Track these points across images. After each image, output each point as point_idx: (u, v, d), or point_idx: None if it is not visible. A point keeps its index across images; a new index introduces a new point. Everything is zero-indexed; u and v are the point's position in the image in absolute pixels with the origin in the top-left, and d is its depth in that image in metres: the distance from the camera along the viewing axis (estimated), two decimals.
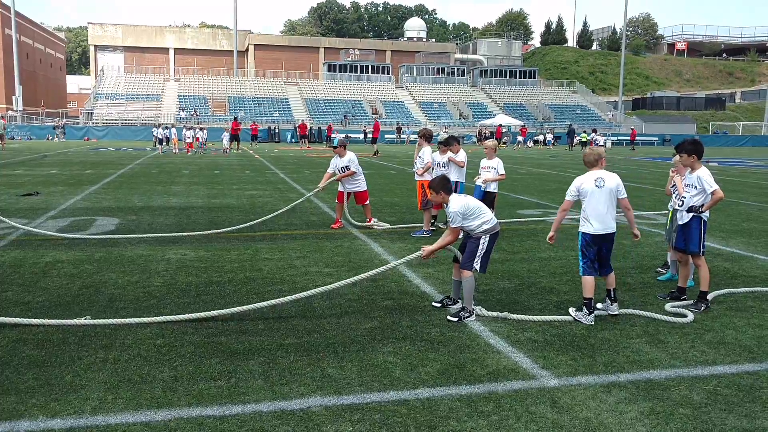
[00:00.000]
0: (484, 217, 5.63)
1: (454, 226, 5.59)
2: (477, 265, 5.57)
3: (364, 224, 10.41)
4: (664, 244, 8.15)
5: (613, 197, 5.70)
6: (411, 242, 9.19)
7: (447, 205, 5.67)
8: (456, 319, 5.50)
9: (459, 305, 5.77)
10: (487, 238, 5.61)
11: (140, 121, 56.40)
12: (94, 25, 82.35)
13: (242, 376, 4.30)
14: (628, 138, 57.20)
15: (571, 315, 5.69)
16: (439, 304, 5.98)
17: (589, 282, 5.64)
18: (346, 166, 10.23)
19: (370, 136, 47.28)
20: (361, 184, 10.41)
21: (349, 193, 10.36)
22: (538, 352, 4.85)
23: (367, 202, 10.52)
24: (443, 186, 5.67)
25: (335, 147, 10.35)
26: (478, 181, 9.60)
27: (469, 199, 5.78)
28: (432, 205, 9.72)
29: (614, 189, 5.68)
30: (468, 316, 5.54)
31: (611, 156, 34.66)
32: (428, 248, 5.68)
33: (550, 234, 5.95)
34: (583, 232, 5.75)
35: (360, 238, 9.45)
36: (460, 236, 5.81)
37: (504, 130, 56.55)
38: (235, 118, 45.60)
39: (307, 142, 47.69)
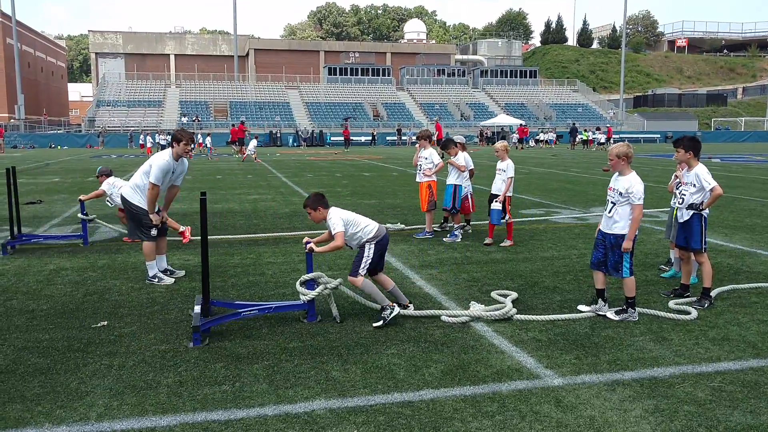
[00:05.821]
0: (363, 229, 5.61)
1: (335, 231, 5.53)
2: (363, 272, 5.57)
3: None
4: (665, 241, 8.13)
5: None
6: (414, 244, 9.18)
7: (327, 219, 5.60)
8: (381, 323, 5.40)
9: (388, 309, 5.51)
10: (372, 246, 5.61)
11: (142, 128, 56.54)
12: (94, 33, 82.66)
13: (247, 381, 4.31)
14: (631, 135, 57.49)
15: (611, 317, 5.61)
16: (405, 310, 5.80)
17: (633, 281, 5.65)
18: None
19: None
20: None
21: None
22: (542, 351, 4.85)
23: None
24: (320, 201, 5.63)
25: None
26: (495, 205, 8.86)
27: (348, 212, 5.74)
28: (434, 207, 9.72)
29: None
30: (390, 312, 5.44)
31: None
32: (314, 247, 5.60)
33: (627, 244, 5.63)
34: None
35: None
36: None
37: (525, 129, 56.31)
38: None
39: (237, 145, 37.27)
